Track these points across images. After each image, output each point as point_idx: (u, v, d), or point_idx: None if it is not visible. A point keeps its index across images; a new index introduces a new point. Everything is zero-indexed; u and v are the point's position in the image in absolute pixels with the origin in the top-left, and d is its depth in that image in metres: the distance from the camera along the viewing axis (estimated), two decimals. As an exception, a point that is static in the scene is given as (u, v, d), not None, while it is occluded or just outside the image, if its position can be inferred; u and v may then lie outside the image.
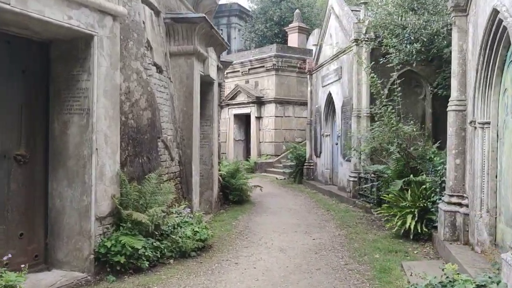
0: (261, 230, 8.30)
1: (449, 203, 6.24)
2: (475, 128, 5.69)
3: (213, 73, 9.42)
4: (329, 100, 13.75)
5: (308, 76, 16.04)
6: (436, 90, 9.93)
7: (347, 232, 8.04)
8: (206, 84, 9.77)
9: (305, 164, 15.93)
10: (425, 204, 7.09)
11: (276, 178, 17.80)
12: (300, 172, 16.24)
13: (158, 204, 6.17)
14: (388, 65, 9.91)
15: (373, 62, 9.60)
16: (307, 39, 25.94)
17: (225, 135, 23.06)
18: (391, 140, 8.04)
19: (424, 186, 7.31)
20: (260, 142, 21.58)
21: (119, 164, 5.96)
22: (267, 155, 21.02)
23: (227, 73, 22.89)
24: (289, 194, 13.56)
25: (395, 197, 7.63)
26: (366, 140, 8.64)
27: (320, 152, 14.64)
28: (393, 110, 8.36)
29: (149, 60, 7.28)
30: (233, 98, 22.49)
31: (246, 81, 22.40)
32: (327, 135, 14.19)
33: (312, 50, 19.89)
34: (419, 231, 6.94)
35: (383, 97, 8.52)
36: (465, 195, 6.12)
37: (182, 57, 8.30)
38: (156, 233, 6.19)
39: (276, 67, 20.73)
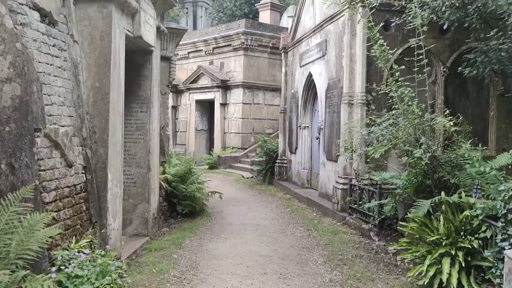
0: (214, 271, 5.51)
1: (533, 253, 3.61)
2: None
3: (149, 36, 6.49)
4: (309, 83, 11.02)
5: (282, 55, 13.24)
6: (461, 69, 7.28)
7: (342, 276, 5.35)
8: (140, 52, 6.87)
9: (277, 161, 13.20)
10: (471, 243, 4.46)
11: (243, 176, 15.03)
12: (271, 170, 13.51)
13: (5, 255, 3.30)
14: (393, 34, 7.27)
15: (380, 25, 6.87)
16: (280, 18, 23.19)
17: (185, 124, 20.16)
18: (410, 139, 5.34)
19: (466, 213, 4.67)
20: (225, 133, 18.74)
21: None
22: (233, 148, 18.21)
23: (188, 52, 19.99)
24: (257, 200, 10.81)
25: (419, 228, 4.97)
26: (374, 138, 5.88)
27: (296, 148, 11.93)
28: (413, 94, 5.66)
29: (24, -1, 4.32)
30: (195, 81, 19.51)
31: (210, 62, 19.43)
32: (305, 127, 11.47)
33: (287, 28, 17.15)
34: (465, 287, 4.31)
35: (397, 73, 5.80)
36: None
37: (94, 4, 5.34)
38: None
39: (245, 46, 17.84)
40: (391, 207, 6.56)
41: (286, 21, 21.93)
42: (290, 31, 12.77)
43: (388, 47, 5.96)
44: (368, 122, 6.72)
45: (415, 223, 5.03)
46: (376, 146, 5.57)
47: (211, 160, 17.75)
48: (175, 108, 20.78)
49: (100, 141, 5.33)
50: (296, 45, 12.11)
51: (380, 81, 8.34)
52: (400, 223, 6.43)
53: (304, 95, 11.32)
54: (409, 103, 5.47)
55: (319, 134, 10.52)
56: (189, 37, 20.27)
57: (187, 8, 34.92)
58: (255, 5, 24.00)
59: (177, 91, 20.57)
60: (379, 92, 8.25)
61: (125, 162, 7.01)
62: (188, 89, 19.84)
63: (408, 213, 6.21)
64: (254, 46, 18.06)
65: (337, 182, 8.46)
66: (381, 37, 6.00)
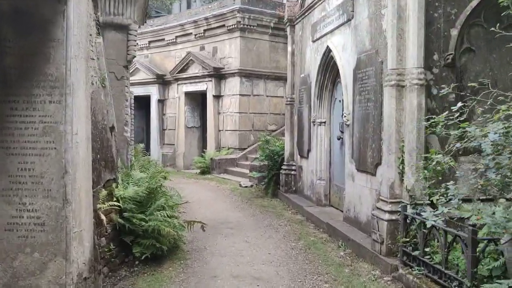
0: None
1: None
2: None
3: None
4: (327, 62, 8.03)
5: (288, 29, 10.23)
6: None
7: None
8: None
9: (283, 167, 10.22)
10: None
11: (240, 185, 12.09)
12: (275, 178, 10.54)
13: None
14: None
15: None
16: (283, -3, 20.15)
17: (173, 120, 17.24)
18: None
19: None
20: (219, 131, 15.78)
21: None
22: (229, 148, 15.26)
23: (176, 37, 17.11)
24: (257, 225, 7.83)
25: None
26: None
27: (309, 151, 8.96)
28: None
29: None
30: (183, 70, 16.55)
31: (201, 47, 16.45)
32: (321, 122, 8.48)
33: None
34: None
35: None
36: None
37: None
38: None
39: (242, 26, 14.84)
40: (498, 266, 3.60)
41: None
42: (298, -3, 9.76)
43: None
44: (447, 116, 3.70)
45: None
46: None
47: (203, 164, 14.83)
48: (162, 102, 17.87)
49: None
50: (306, 13, 9.10)
51: (444, 50, 5.37)
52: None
53: (320, 79, 8.32)
54: None
55: (343, 132, 7.57)
56: (177, 19, 17.35)
57: (179, -7, 31.93)
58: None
59: (164, 83, 17.65)
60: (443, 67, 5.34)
61: (26, 188, 4.09)
62: (176, 79, 16.89)
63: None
64: (253, 26, 15.06)
65: (379, 208, 5.46)
66: None
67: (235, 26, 14.90)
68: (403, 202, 5.12)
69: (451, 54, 5.30)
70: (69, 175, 4.06)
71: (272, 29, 15.37)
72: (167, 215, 5.93)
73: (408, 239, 4.81)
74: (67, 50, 4.06)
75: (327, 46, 7.73)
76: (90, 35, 5.29)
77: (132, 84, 18.36)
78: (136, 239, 5.61)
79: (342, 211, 7.47)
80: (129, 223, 5.47)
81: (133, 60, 18.08)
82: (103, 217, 4.93)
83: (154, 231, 5.59)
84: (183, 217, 8.21)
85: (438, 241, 4.31)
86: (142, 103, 18.74)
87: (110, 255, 5.22)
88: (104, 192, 5.16)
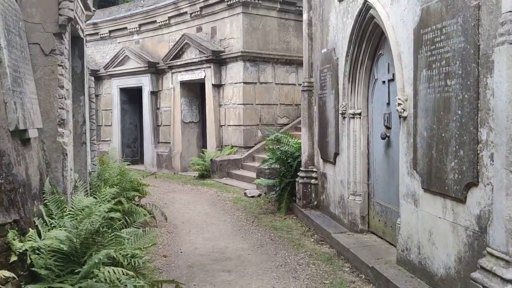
0: None
1: None
2: None
3: None
4: (364, 26, 5.51)
5: (303, -9, 7.74)
6: None
7: None
8: None
9: (300, 173, 7.75)
10: None
11: (245, 194, 9.68)
12: (290, 188, 8.09)
13: None
14: None
15: None
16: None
17: (169, 115, 14.83)
18: None
19: None
20: (221, 126, 13.35)
21: None
22: (233, 146, 12.84)
23: (169, 18, 14.73)
24: (267, 264, 5.38)
25: None
26: None
27: (336, 154, 6.49)
28: None
29: None
30: (178, 56, 14.11)
31: (198, 28, 13.99)
32: (355, 114, 5.99)
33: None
34: None
35: None
36: None
37: None
38: None
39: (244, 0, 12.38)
40: None
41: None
42: None
43: None
44: None
45: None
46: None
47: (202, 166, 12.44)
48: (155, 94, 15.48)
49: None
50: (329, -36, 6.60)
51: None
52: None
53: (352, 52, 5.82)
54: None
55: (390, 128, 5.12)
56: (169, -3, 14.86)
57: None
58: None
59: (157, 72, 15.25)
60: None
61: None
62: (170, 67, 14.47)
63: None
64: (258, 0, 12.56)
65: (488, 271, 2.98)
66: None
67: (237, 0, 12.42)
68: (544, 265, 2.68)
69: None
70: None
71: (281, 4, 12.87)
72: (116, 273, 3.54)
73: None
74: None
75: (364, 2, 5.24)
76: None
77: (122, 75, 16.05)
78: (54, 325, 3.25)
79: (390, 243, 5.04)
80: (36, 302, 3.08)
81: (122, 47, 15.85)
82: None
83: (87, 308, 3.22)
84: (161, 250, 5.88)
85: None
86: (135, 96, 16.38)
87: None
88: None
